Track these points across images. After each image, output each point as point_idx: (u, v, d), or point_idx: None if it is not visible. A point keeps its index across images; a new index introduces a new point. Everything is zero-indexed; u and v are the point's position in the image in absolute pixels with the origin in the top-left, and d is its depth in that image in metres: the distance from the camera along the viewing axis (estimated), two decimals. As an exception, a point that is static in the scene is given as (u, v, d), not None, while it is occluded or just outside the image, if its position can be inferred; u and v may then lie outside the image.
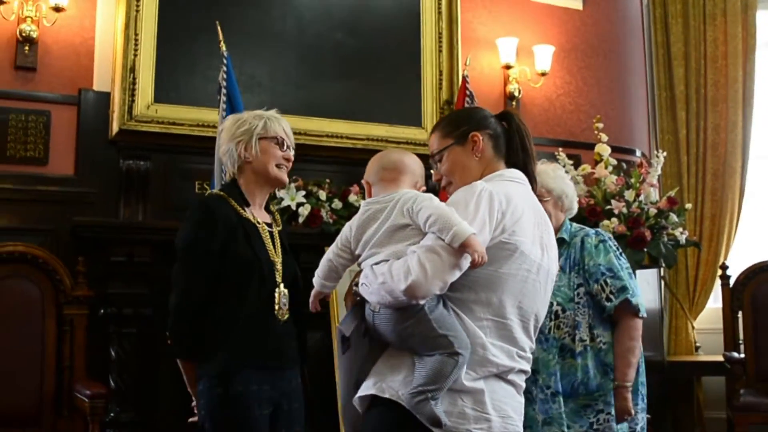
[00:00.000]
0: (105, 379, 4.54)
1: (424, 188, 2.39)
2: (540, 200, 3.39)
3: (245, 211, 2.95)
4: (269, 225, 3.03)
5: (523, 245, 2.20)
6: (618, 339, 3.49)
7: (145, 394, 4.68)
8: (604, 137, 5.88)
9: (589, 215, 5.55)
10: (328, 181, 5.15)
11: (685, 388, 6.68)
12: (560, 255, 3.48)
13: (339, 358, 2.34)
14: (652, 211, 5.64)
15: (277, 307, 2.88)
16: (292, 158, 3.06)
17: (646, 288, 6.46)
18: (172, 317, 2.82)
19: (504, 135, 2.43)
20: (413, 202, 2.19)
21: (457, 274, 2.10)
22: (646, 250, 5.57)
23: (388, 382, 2.16)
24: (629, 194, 5.66)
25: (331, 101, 5.33)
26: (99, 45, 4.97)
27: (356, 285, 2.27)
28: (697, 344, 6.92)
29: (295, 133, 3.16)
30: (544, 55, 6.08)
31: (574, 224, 3.74)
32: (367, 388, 2.20)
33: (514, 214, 2.20)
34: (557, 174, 3.74)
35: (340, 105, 5.35)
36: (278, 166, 3.01)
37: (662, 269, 6.67)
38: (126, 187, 4.89)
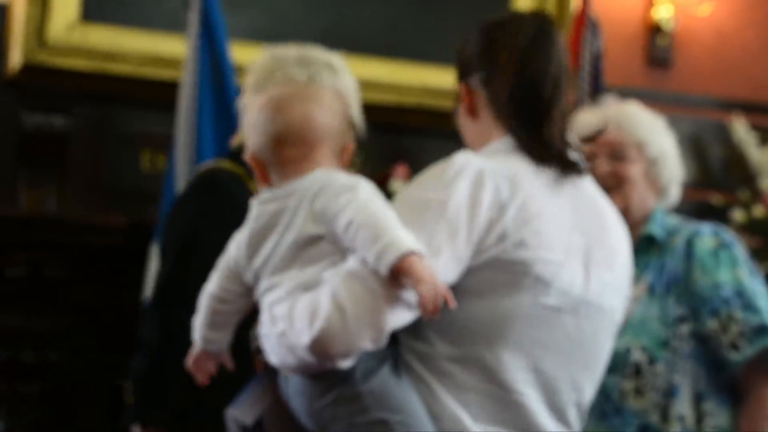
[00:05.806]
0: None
1: (353, 146, 1.80)
2: (620, 158, 2.74)
3: None
4: None
5: (542, 265, 1.54)
6: (747, 417, 2.55)
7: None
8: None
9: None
10: (359, 158, 4.25)
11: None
12: (647, 265, 2.65)
13: None
14: None
15: None
16: None
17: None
18: (147, 363, 2.53)
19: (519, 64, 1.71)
20: (328, 197, 1.54)
21: (406, 317, 1.46)
22: None
23: None
24: None
25: (365, 29, 4.37)
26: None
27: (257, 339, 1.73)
28: None
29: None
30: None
31: (669, 216, 2.87)
32: None
33: (526, 210, 1.55)
34: (654, 122, 2.70)
35: (379, 35, 4.38)
36: None
37: None
38: (31, 157, 4.16)
